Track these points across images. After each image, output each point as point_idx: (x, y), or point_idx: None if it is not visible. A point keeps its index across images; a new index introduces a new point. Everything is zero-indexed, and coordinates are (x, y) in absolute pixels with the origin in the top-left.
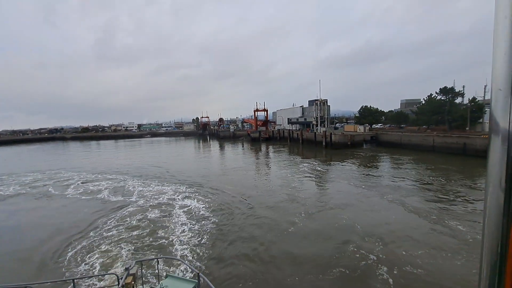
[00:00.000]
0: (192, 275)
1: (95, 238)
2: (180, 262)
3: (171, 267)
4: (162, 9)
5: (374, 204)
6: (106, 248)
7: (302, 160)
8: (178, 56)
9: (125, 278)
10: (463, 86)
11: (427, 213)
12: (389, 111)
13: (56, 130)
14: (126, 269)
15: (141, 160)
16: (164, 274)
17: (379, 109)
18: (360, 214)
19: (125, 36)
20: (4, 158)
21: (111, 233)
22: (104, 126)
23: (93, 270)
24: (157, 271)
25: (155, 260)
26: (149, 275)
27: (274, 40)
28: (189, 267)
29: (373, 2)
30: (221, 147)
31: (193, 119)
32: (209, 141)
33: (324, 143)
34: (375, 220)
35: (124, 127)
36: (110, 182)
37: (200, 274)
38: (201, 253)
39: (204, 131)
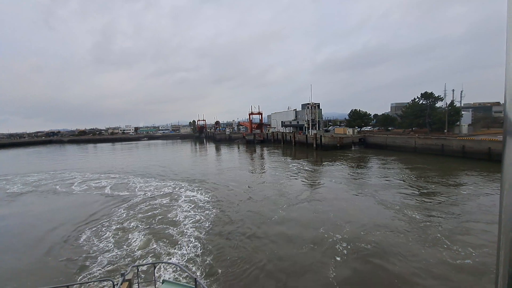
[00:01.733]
0: (189, 280)
1: (115, 219)
2: (177, 267)
3: (168, 272)
4: (161, 13)
5: (349, 197)
6: (124, 225)
7: (293, 161)
8: (176, 60)
9: (121, 284)
10: (453, 90)
11: (392, 204)
12: (381, 114)
13: (53, 133)
14: (122, 275)
15: (141, 161)
16: (161, 279)
17: (368, 112)
18: (336, 205)
19: (124, 39)
20: (6, 161)
21: (124, 215)
22: (101, 129)
23: (108, 250)
24: (153, 276)
25: (152, 265)
26: (145, 281)
27: (272, 44)
28: (186, 272)
29: (370, 7)
30: (217, 149)
31: (190, 122)
32: (206, 143)
33: (314, 145)
34: (347, 210)
35: (121, 130)
36: (114, 180)
37: (197, 279)
38: (201, 234)
39: (200, 134)
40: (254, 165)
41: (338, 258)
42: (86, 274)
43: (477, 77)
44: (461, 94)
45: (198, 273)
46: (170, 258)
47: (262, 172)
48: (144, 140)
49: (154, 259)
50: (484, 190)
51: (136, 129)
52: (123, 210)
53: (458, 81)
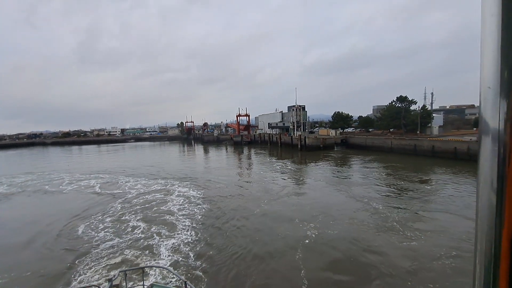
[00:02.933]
0: (179, 283)
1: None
2: (166, 270)
3: (156, 275)
4: (149, 13)
5: (326, 193)
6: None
7: (277, 161)
8: (164, 60)
9: None
10: (432, 93)
11: (362, 198)
12: (366, 115)
13: (35, 135)
14: (109, 280)
15: (129, 162)
16: (149, 283)
17: (350, 114)
18: (312, 199)
19: (110, 39)
20: None
21: (120, 208)
22: (85, 131)
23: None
24: (142, 280)
25: (140, 269)
26: (133, 285)
27: (261, 46)
28: (176, 275)
29: (357, 12)
30: (205, 151)
31: (178, 124)
32: (194, 145)
33: (299, 146)
34: (322, 203)
35: (107, 132)
36: (104, 180)
37: (187, 282)
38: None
39: (188, 136)
40: (240, 165)
41: (307, 241)
42: (91, 257)
43: (458, 80)
44: (432, 97)
45: (188, 274)
46: (169, 240)
47: (248, 171)
48: (131, 142)
49: (143, 261)
50: (447, 186)
51: (123, 130)
52: (118, 204)
53: (439, 84)
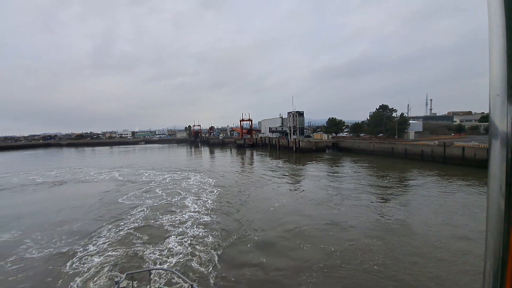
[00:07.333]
0: (186, 286)
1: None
2: (173, 273)
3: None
4: (163, 18)
5: (306, 186)
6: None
7: (272, 161)
8: (174, 65)
9: None
10: (431, 100)
11: (337, 190)
12: (358, 122)
13: (50, 137)
14: (116, 282)
15: (144, 161)
16: (156, 286)
17: (342, 120)
18: (294, 187)
19: (124, 43)
20: (16, 161)
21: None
22: (97, 133)
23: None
24: (149, 283)
25: (147, 271)
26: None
27: (270, 51)
28: (183, 278)
29: (365, 19)
30: (211, 152)
31: (186, 127)
32: (200, 147)
33: (294, 149)
34: (300, 190)
35: (118, 134)
36: (128, 172)
37: (194, 285)
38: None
39: (195, 139)
40: (241, 165)
41: (276, 204)
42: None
43: (466, 85)
44: (408, 107)
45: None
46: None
47: (246, 169)
48: (141, 144)
49: (150, 263)
50: (407, 181)
51: (133, 133)
52: (151, 184)
53: (446, 89)
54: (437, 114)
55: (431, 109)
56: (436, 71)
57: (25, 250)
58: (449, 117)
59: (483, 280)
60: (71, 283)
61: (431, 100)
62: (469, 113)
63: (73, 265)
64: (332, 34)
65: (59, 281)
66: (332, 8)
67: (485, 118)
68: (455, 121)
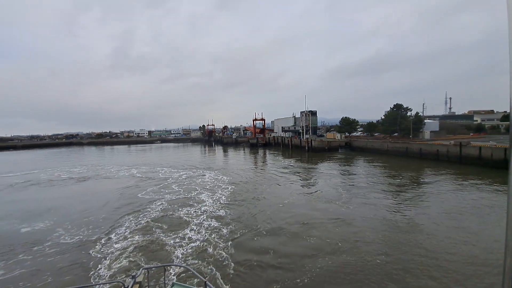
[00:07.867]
0: (200, 282)
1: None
2: (188, 269)
3: (179, 274)
4: (179, 20)
5: (316, 183)
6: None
7: (285, 160)
8: (189, 65)
9: (131, 286)
10: (450, 98)
11: (344, 187)
12: (372, 121)
13: (72, 136)
14: (133, 277)
15: (160, 159)
16: (171, 282)
17: (356, 119)
18: (301, 185)
19: (141, 45)
20: (42, 160)
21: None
22: (116, 133)
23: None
24: (164, 279)
25: (162, 267)
26: (155, 283)
27: (284, 50)
28: (196, 275)
29: (382, 17)
30: (225, 151)
31: (200, 127)
32: (214, 146)
33: (306, 148)
34: (307, 187)
35: (136, 134)
36: (147, 169)
37: (207, 282)
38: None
39: (209, 138)
40: (255, 162)
41: (286, 201)
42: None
43: (489, 83)
44: (423, 106)
45: (211, 273)
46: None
47: (258, 167)
48: (157, 143)
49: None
50: (422, 181)
51: (150, 132)
52: (169, 181)
53: (468, 87)
54: (457, 113)
55: (450, 108)
56: (456, 69)
57: (58, 237)
58: (469, 116)
59: (503, 276)
60: (99, 265)
61: (450, 98)
62: (491, 112)
63: (101, 250)
64: (347, 32)
65: (91, 263)
66: (348, 5)
67: (506, 117)
68: (476, 120)
